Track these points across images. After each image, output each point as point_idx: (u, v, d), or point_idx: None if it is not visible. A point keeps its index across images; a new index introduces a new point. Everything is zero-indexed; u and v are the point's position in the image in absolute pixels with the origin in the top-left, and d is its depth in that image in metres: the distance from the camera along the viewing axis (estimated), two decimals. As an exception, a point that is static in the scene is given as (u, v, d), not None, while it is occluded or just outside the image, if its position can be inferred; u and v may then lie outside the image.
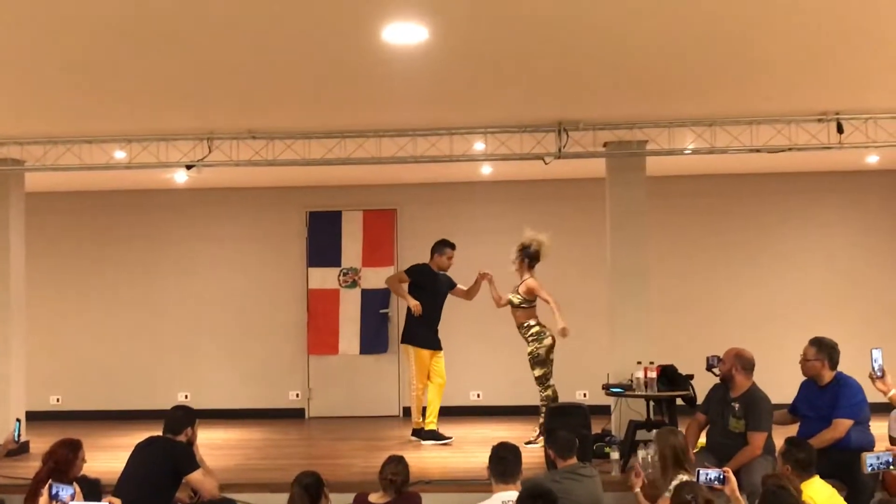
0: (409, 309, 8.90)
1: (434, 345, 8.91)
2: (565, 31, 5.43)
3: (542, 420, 8.27)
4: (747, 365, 6.29)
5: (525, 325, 8.49)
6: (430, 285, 8.90)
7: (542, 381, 8.43)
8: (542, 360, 8.40)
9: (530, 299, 8.50)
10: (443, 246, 8.95)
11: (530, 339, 8.44)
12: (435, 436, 8.80)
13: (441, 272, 8.98)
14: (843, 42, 5.77)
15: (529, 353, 8.44)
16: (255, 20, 5.14)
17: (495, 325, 9.75)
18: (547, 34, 5.50)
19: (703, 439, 6.65)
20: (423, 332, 8.86)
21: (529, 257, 8.56)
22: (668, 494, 5.20)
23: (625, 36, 5.58)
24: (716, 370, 6.70)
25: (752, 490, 5.26)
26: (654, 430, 6.20)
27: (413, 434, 8.93)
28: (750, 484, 5.51)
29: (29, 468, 6.82)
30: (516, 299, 8.54)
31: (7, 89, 6.60)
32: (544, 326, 8.45)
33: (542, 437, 8.00)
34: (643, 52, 5.91)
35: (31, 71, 6.13)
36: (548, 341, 8.41)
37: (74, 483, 3.82)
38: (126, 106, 7.16)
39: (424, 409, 8.84)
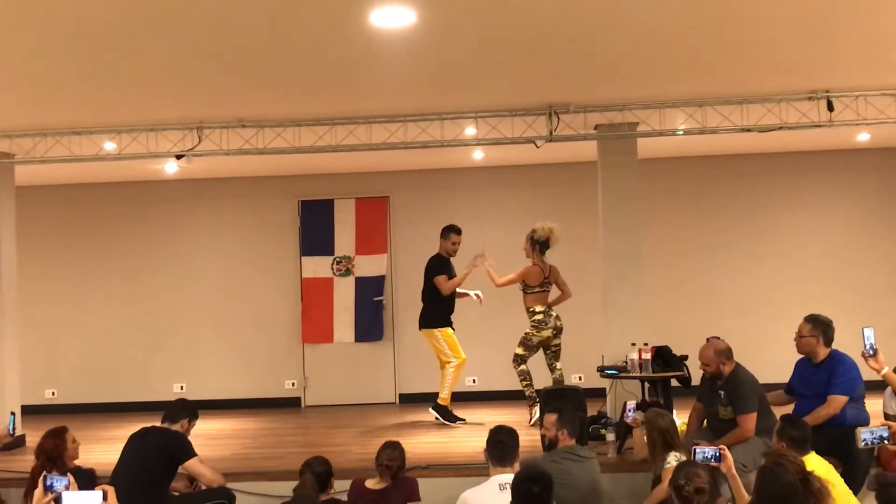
0: (424, 294, 8.97)
1: (451, 324, 9.02)
2: (554, 12, 5.40)
3: (536, 399, 8.31)
4: (728, 354, 6.26)
5: (530, 309, 8.55)
6: (449, 272, 8.98)
7: (517, 359, 8.56)
8: (530, 346, 8.55)
9: (531, 285, 8.54)
10: (448, 231, 9.05)
11: (532, 323, 8.49)
12: (446, 413, 8.96)
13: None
14: (833, 19, 5.74)
15: (525, 334, 8.52)
16: (243, 7, 5.10)
17: (490, 311, 9.75)
18: (536, 16, 5.46)
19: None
20: (443, 315, 8.95)
21: (538, 244, 8.60)
22: (666, 468, 5.31)
23: (614, 17, 5.54)
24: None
25: (738, 469, 5.24)
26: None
27: (434, 409, 9.00)
28: (736, 461, 5.48)
29: (26, 461, 6.84)
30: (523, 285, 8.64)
31: (-6, 82, 6.57)
32: (548, 318, 8.47)
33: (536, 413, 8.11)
34: (632, 33, 5.88)
35: (19, 64, 6.09)
36: (546, 333, 8.47)
37: (69, 474, 3.84)
38: (115, 96, 7.13)
39: None
